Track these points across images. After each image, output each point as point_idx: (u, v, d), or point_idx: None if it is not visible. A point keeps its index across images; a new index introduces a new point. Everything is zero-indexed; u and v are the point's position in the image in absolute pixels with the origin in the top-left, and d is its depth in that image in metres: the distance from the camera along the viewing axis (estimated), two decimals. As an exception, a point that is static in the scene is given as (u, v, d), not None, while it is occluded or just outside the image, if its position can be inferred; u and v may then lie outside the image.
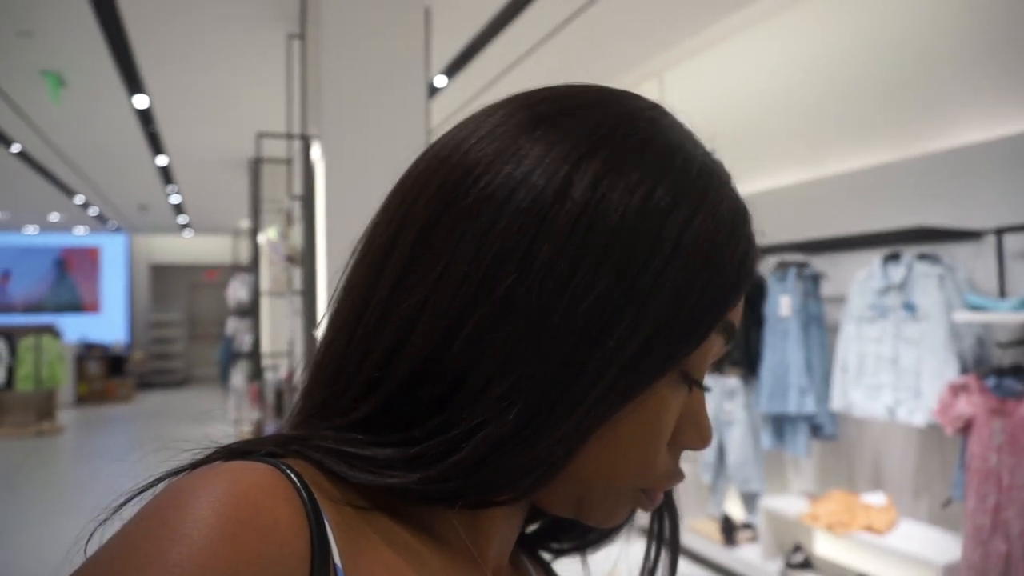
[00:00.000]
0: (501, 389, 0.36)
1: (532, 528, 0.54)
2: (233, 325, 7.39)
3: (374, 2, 2.91)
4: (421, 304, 0.38)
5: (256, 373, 4.57)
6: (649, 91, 4.60)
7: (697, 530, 3.69)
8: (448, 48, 4.06)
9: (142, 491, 0.36)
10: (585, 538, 0.53)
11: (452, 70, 4.44)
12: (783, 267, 3.31)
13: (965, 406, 2.42)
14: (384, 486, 0.36)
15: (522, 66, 4.24)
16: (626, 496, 0.42)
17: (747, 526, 3.56)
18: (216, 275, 13.63)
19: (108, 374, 11.18)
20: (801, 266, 3.26)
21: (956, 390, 2.46)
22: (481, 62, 4.28)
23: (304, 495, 0.33)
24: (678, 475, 0.43)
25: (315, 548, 0.32)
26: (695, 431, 0.43)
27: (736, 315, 0.42)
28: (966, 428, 2.43)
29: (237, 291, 6.84)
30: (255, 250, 4.87)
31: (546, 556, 0.55)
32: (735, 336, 0.43)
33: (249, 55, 4.10)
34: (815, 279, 3.24)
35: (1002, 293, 2.63)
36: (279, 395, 3.84)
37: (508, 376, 0.36)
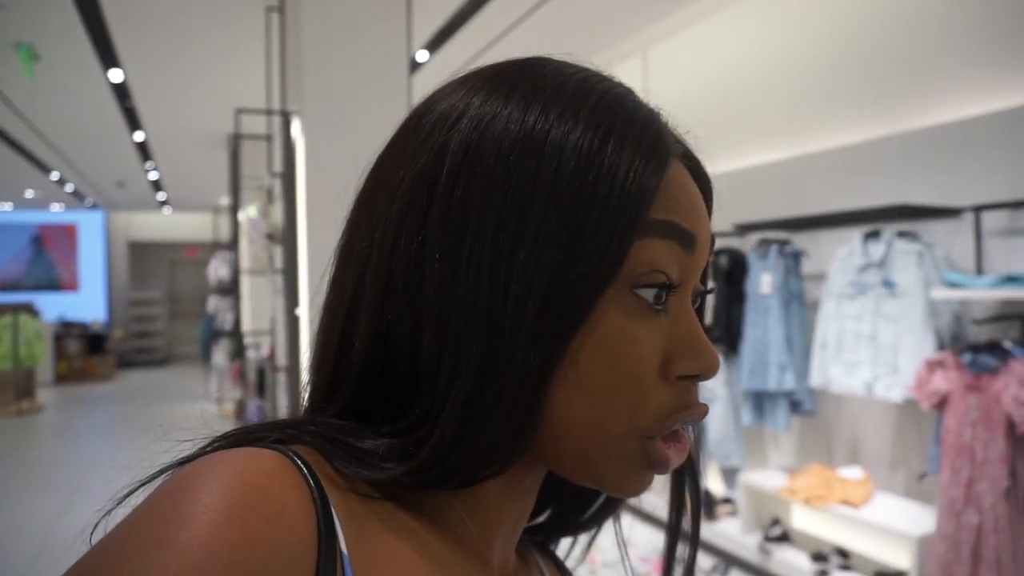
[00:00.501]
0: (449, 358, 0.36)
1: (539, 520, 0.53)
2: (214, 303, 7.34)
3: (353, -26, 2.85)
4: (358, 281, 0.40)
5: (238, 352, 4.55)
6: (633, 68, 4.57)
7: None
8: (430, 23, 4.01)
9: (147, 481, 0.36)
10: (581, 519, 0.52)
11: (434, 45, 4.38)
12: (765, 244, 3.33)
13: (941, 382, 2.46)
14: (377, 480, 0.36)
15: (504, 41, 4.20)
16: (630, 448, 0.39)
17: (727, 500, 3.62)
18: (197, 252, 13.49)
19: (88, 353, 11.08)
20: (782, 243, 3.28)
21: (932, 366, 2.50)
22: (463, 37, 4.23)
23: (311, 482, 0.33)
24: (687, 408, 0.39)
25: (322, 534, 0.32)
26: (690, 356, 0.39)
27: (685, 216, 0.39)
28: (942, 403, 2.48)
29: (218, 269, 6.78)
30: (235, 228, 4.82)
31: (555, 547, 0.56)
32: (691, 238, 0.39)
33: (227, 28, 4.02)
34: (796, 256, 3.26)
35: (979, 270, 2.67)
36: (261, 373, 3.83)
37: (448, 341, 0.36)
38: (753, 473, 3.46)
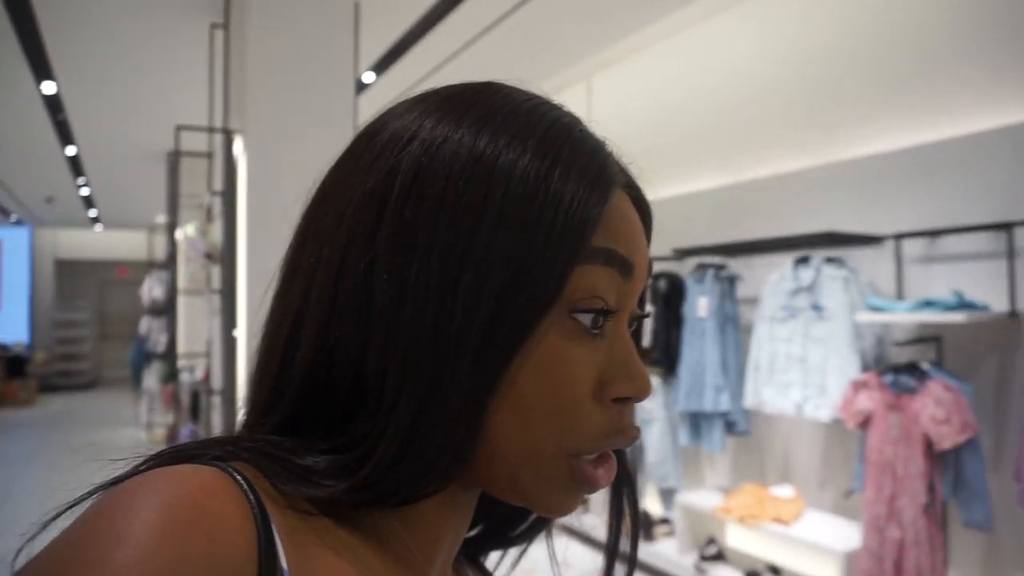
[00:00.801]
0: (394, 376, 0.36)
1: (472, 533, 0.54)
2: (147, 324, 7.09)
3: (301, -5, 2.85)
4: (303, 298, 0.40)
5: (171, 375, 4.40)
6: (577, 95, 4.67)
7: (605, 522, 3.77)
8: (377, 45, 4.03)
9: (77, 503, 0.34)
10: (512, 534, 0.53)
11: (381, 67, 4.40)
12: (702, 269, 3.43)
13: (865, 402, 2.57)
14: (317, 497, 0.36)
15: (450, 65, 4.25)
16: (559, 468, 0.39)
17: (664, 521, 3.67)
18: (129, 272, 13.01)
19: (7, 376, 10.51)
20: (718, 268, 3.39)
21: (857, 387, 2.61)
22: (410, 60, 4.26)
23: (251, 498, 0.33)
24: (620, 432, 0.40)
25: (262, 551, 0.32)
26: (624, 379, 0.40)
27: (624, 244, 0.40)
28: (866, 423, 2.59)
29: (152, 289, 6.56)
30: (172, 246, 4.69)
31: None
32: (629, 265, 0.40)
33: (168, 43, 3.95)
34: (731, 281, 3.37)
35: (899, 295, 2.81)
36: (195, 397, 3.71)
37: (395, 360, 0.36)
38: (690, 493, 3.53)
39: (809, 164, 3.28)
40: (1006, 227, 2.47)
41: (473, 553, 0.55)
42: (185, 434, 3.53)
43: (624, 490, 0.49)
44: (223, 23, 3.29)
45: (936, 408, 2.34)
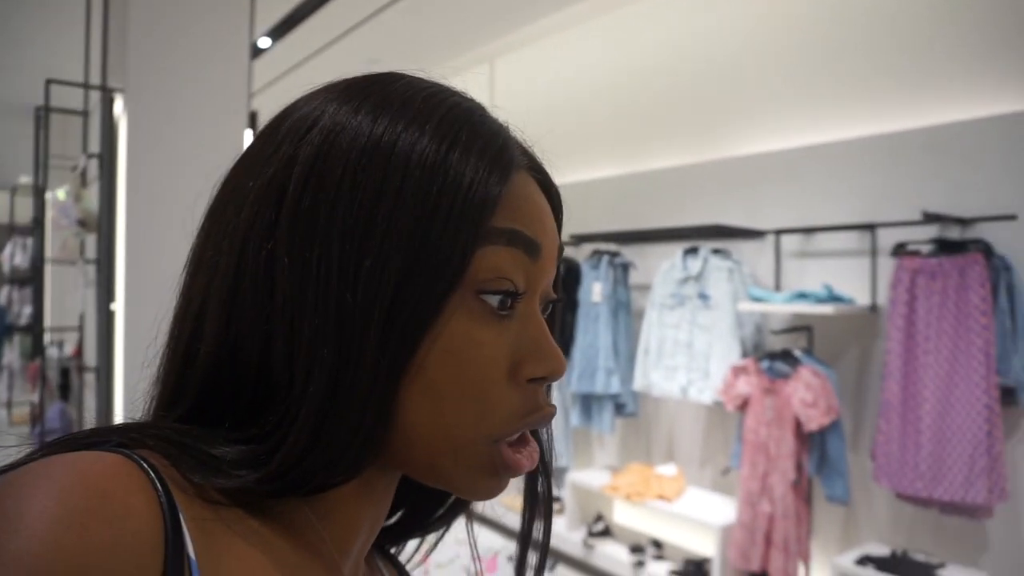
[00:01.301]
0: (300, 364, 0.36)
1: (390, 521, 0.53)
2: (6, 294, 6.51)
3: (192, -52, 2.68)
4: (205, 290, 0.39)
5: (36, 350, 4.07)
6: (479, 78, 4.64)
7: (507, 505, 3.85)
8: (275, 9, 3.84)
9: None
10: (431, 518, 0.53)
11: (278, 32, 4.21)
12: (597, 255, 3.53)
13: (744, 386, 2.74)
14: (228, 487, 0.35)
15: (351, 37, 4.12)
16: (478, 454, 0.39)
17: (555, 499, 3.78)
18: (-15, 237, 11.87)
19: None
20: (613, 255, 3.50)
21: (737, 372, 2.78)
22: (309, 27, 4.10)
23: (158, 486, 0.32)
24: (536, 411, 0.41)
25: (168, 540, 0.31)
26: (538, 359, 0.40)
27: (528, 224, 0.40)
28: (743, 405, 2.76)
29: (14, 256, 6.03)
30: (40, 211, 4.31)
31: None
32: (535, 246, 0.40)
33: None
34: (625, 268, 3.49)
35: (777, 287, 3.00)
36: (65, 374, 3.45)
37: (300, 349, 0.36)
38: (579, 472, 3.64)
39: (700, 159, 3.43)
40: (870, 228, 2.68)
41: (385, 543, 0.55)
42: (53, 414, 3.28)
43: (540, 476, 0.50)
44: (104, -29, 3.03)
45: (806, 392, 2.53)
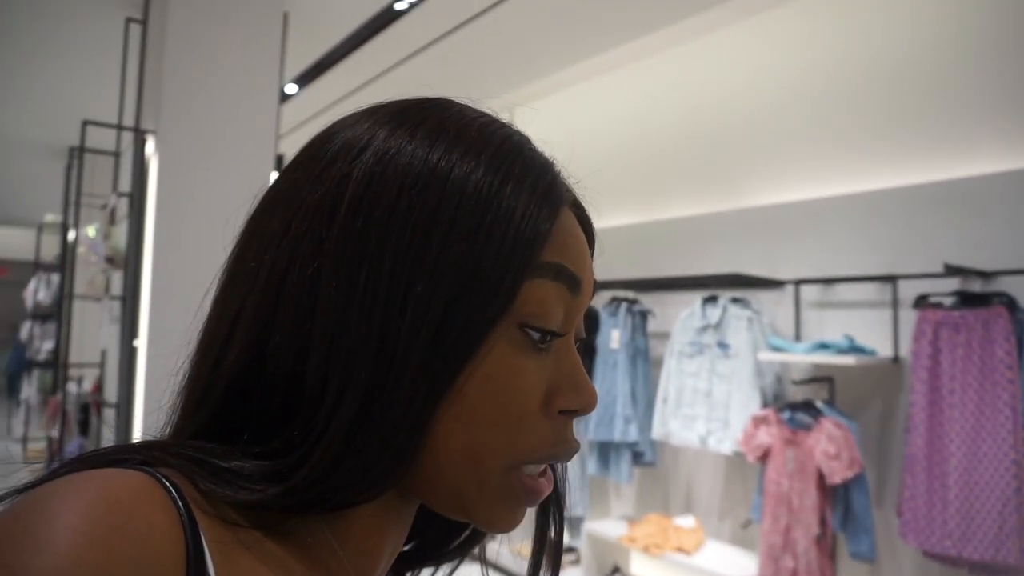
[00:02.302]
0: (335, 381, 0.36)
1: (405, 548, 0.53)
2: (29, 330, 6.58)
3: (229, -1, 2.78)
4: (242, 302, 0.40)
5: (54, 385, 4.10)
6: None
7: (522, 554, 3.78)
8: (302, 57, 3.96)
9: None
10: (446, 549, 0.53)
11: (304, 80, 4.32)
12: (615, 302, 3.53)
13: (764, 436, 2.70)
14: (247, 501, 0.35)
15: (374, 85, 4.22)
16: (503, 482, 0.40)
17: (571, 549, 3.70)
18: (8, 271, 12.07)
19: None
20: (631, 303, 3.49)
21: (758, 422, 2.74)
22: (334, 76, 4.21)
23: (180, 505, 0.32)
24: (564, 444, 0.41)
25: (190, 561, 0.31)
26: (571, 392, 0.41)
27: (573, 260, 0.41)
28: (764, 456, 2.72)
29: (38, 291, 6.11)
30: (65, 247, 4.40)
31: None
32: (577, 281, 0.41)
33: (80, 36, 3.74)
34: (643, 315, 3.48)
35: (798, 337, 2.98)
36: (85, 410, 3.47)
37: (337, 365, 0.36)
38: (596, 522, 3.58)
39: (719, 209, 3.45)
40: (891, 279, 2.67)
41: (402, 569, 0.54)
42: (72, 448, 3.28)
43: (552, 520, 0.50)
44: (141, 18, 3.15)
45: (828, 444, 2.49)
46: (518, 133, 0.43)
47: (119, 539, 0.28)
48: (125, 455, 0.35)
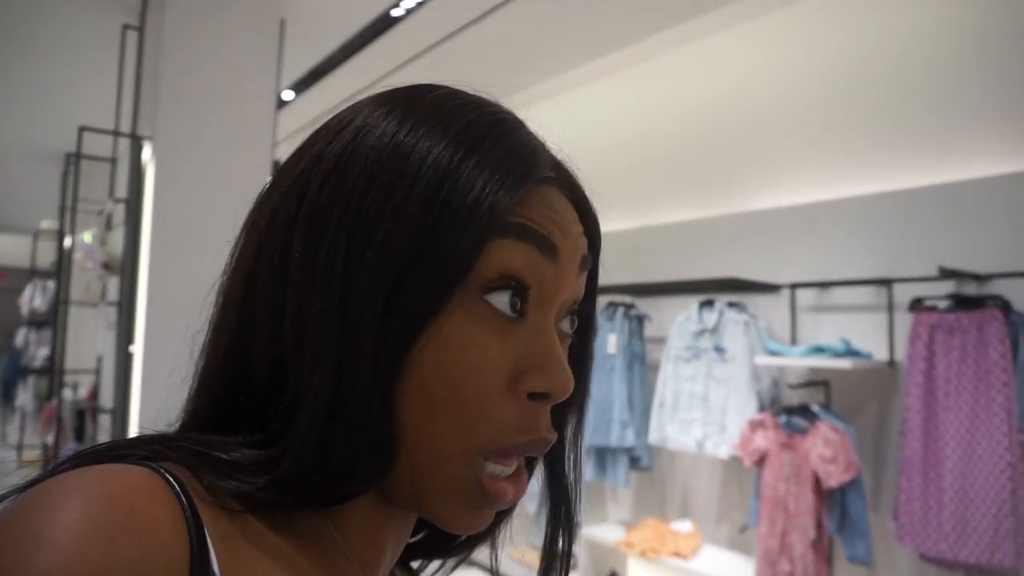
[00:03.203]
0: (305, 362, 0.36)
1: (415, 538, 0.52)
2: (24, 336, 6.56)
3: (224, 4, 2.79)
4: (232, 279, 0.40)
5: (52, 391, 4.08)
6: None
7: (519, 559, 3.77)
8: (299, 64, 3.96)
9: None
10: (453, 544, 0.52)
11: (301, 86, 4.33)
12: (612, 307, 3.53)
13: (761, 440, 2.71)
14: (243, 492, 0.35)
15: (370, 92, 4.22)
16: (461, 476, 0.38)
17: (567, 554, 3.70)
18: (3, 278, 12.03)
19: None
20: (628, 307, 3.50)
21: (754, 426, 2.74)
22: (331, 82, 4.22)
23: (183, 500, 0.32)
24: (529, 431, 0.38)
25: (194, 556, 0.30)
26: (540, 372, 0.38)
27: (544, 224, 0.39)
28: (761, 460, 2.72)
29: (33, 298, 6.10)
30: (60, 254, 4.39)
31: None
32: (549, 243, 0.39)
33: (76, 42, 3.74)
34: (640, 320, 3.48)
35: (794, 340, 2.99)
36: (80, 416, 3.46)
37: (305, 345, 0.36)
38: (593, 527, 3.57)
39: (715, 213, 3.46)
40: (886, 283, 2.68)
41: (412, 558, 0.53)
42: (68, 455, 3.27)
43: (561, 533, 0.48)
44: (138, 25, 3.16)
45: (824, 448, 2.49)
46: (503, 112, 0.42)
47: (121, 535, 0.28)
48: (127, 450, 0.35)
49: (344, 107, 0.44)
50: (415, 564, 0.55)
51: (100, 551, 0.27)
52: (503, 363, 0.38)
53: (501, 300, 0.38)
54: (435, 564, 0.55)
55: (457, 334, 0.37)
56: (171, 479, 0.32)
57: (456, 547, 0.52)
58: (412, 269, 0.36)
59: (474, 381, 0.37)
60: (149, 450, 0.35)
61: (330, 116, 0.43)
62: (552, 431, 0.40)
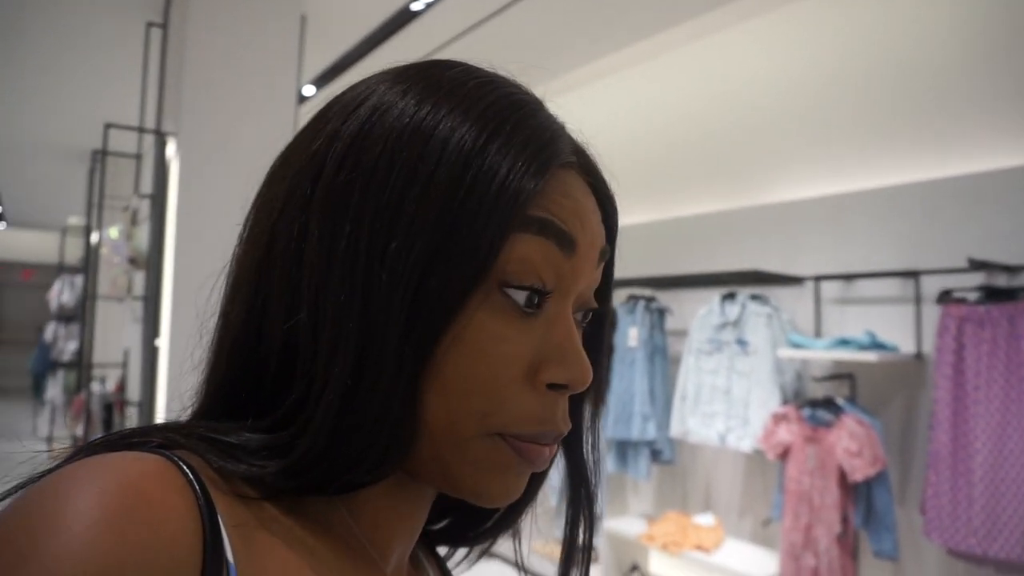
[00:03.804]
0: (323, 348, 0.35)
1: (440, 525, 0.52)
2: (53, 331, 6.68)
3: (245, 1, 2.81)
4: (242, 259, 0.40)
5: (78, 385, 4.16)
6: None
7: (541, 552, 3.78)
8: (319, 59, 3.99)
9: (4, 496, 0.31)
10: (476, 531, 0.52)
11: (321, 81, 4.35)
12: (633, 300, 3.51)
13: (785, 434, 2.68)
14: (252, 476, 0.35)
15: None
16: (484, 447, 0.37)
17: (589, 547, 3.70)
18: (33, 274, 12.27)
19: None
20: (649, 300, 3.48)
21: (778, 419, 2.72)
22: (351, 77, 4.22)
23: (197, 487, 0.32)
24: (546, 423, 0.38)
25: (207, 543, 0.30)
26: (559, 364, 0.38)
27: (564, 218, 0.38)
28: (785, 454, 2.69)
29: (62, 293, 6.21)
30: (88, 249, 4.47)
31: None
32: (568, 239, 0.38)
33: (101, 40, 3.79)
34: (661, 313, 3.46)
35: (818, 333, 2.96)
36: (108, 408, 3.52)
37: (323, 331, 0.35)
38: (614, 520, 3.57)
39: (737, 205, 3.42)
40: (913, 275, 2.64)
41: (439, 544, 0.53)
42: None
43: (582, 523, 0.48)
44: (161, 23, 3.19)
45: (850, 441, 2.46)
46: (524, 93, 0.42)
47: (135, 523, 0.28)
48: (141, 438, 0.35)
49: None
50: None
51: (113, 538, 0.27)
52: (521, 354, 0.38)
53: (518, 294, 0.37)
54: (460, 555, 0.55)
55: (479, 328, 0.36)
56: (184, 467, 0.32)
57: (480, 535, 0.52)
58: (437, 260, 0.35)
59: (494, 373, 0.37)
60: (162, 437, 0.35)
61: (345, 90, 0.42)
62: (567, 422, 0.40)
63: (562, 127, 0.42)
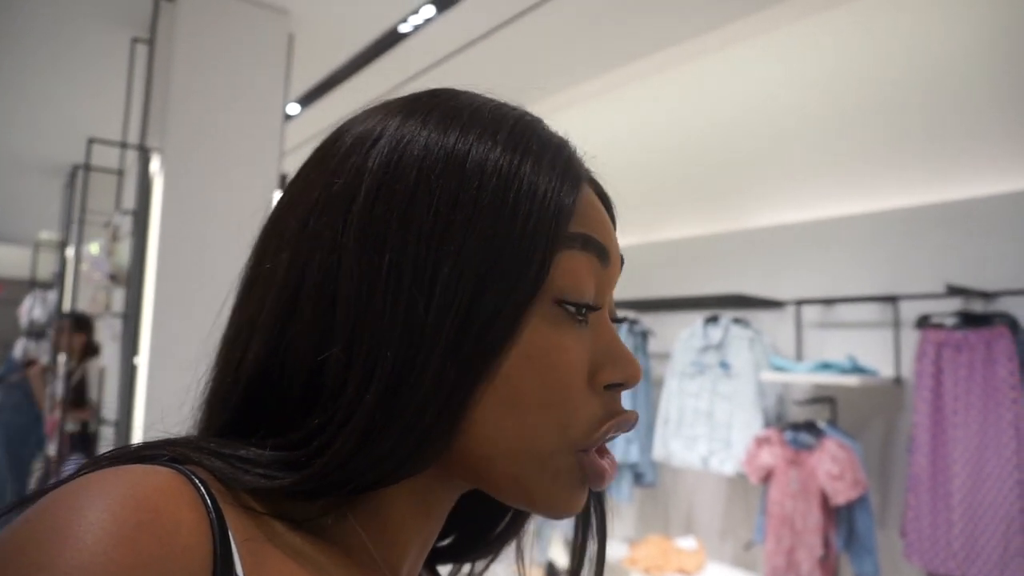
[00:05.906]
0: (359, 369, 0.36)
1: (441, 544, 0.53)
2: (23, 347, 6.53)
3: (233, 19, 2.82)
4: (260, 303, 0.40)
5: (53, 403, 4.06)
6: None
7: (522, 576, 3.74)
8: (305, 78, 3.99)
9: (16, 506, 0.32)
10: (479, 545, 0.52)
11: (307, 100, 4.36)
12: (616, 322, 3.52)
13: (767, 457, 2.70)
14: (262, 488, 0.35)
15: (378, 103, 4.26)
16: (563, 464, 0.39)
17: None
18: (2, 289, 12.00)
19: None
20: (632, 322, 3.50)
21: (760, 442, 2.74)
22: (336, 96, 4.24)
23: (208, 502, 0.32)
24: (617, 416, 0.40)
25: (217, 558, 0.30)
26: (614, 365, 0.41)
27: (598, 231, 0.41)
28: (767, 477, 2.71)
29: (33, 309, 6.08)
30: (62, 265, 4.39)
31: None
32: (605, 251, 0.41)
33: (84, 55, 3.76)
34: (644, 335, 3.48)
35: (799, 357, 2.99)
36: (84, 426, 3.44)
37: (360, 353, 0.36)
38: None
39: (720, 230, 3.47)
40: (892, 299, 2.69)
41: (436, 562, 0.54)
42: (71, 466, 3.25)
43: (595, 520, 0.49)
44: (147, 38, 3.18)
45: (832, 464, 2.48)
46: (529, 114, 0.44)
47: (146, 536, 0.28)
48: (153, 451, 0.35)
49: (344, 121, 0.43)
50: (443, 571, 0.55)
51: (124, 551, 0.27)
52: (581, 362, 0.40)
53: (570, 306, 0.39)
54: (465, 570, 0.55)
55: (540, 341, 0.38)
56: (196, 481, 0.33)
57: (484, 548, 0.53)
58: (489, 281, 0.36)
59: (563, 383, 0.38)
60: (175, 452, 0.35)
61: (341, 127, 0.43)
62: (633, 410, 0.43)
63: (568, 142, 0.45)
